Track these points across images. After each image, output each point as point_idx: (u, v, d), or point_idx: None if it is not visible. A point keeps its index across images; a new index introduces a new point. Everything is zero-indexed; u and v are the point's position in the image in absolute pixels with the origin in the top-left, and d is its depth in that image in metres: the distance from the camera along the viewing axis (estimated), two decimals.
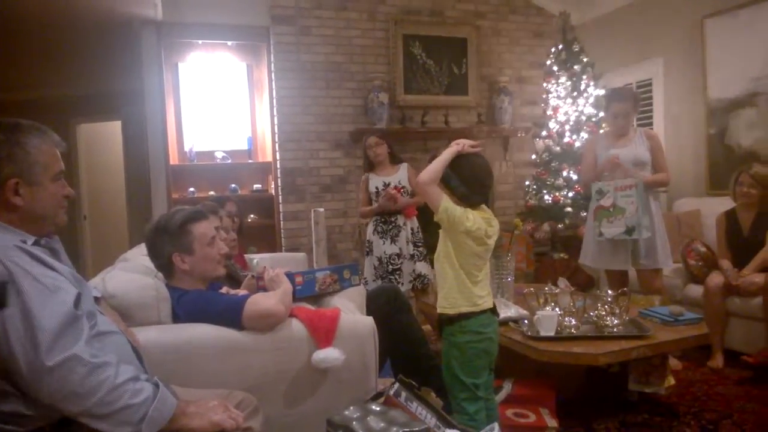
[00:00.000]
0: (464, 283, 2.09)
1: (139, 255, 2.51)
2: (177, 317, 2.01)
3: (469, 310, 2.08)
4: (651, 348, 2.57)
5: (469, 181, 2.08)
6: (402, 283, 3.90)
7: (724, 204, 3.90)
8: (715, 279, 3.56)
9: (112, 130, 7.46)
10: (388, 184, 3.98)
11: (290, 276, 2.31)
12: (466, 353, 2.09)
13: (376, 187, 4.03)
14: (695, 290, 3.76)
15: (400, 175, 4.04)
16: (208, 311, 1.99)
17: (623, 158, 3.45)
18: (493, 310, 2.15)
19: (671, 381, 2.91)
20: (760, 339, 3.31)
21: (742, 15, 4.33)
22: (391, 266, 3.96)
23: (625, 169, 3.42)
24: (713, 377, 3.29)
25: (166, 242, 2.07)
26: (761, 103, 4.25)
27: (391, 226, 3.99)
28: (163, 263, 2.10)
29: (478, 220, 2.08)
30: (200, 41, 5.23)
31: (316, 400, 2.00)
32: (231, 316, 1.96)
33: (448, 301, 2.11)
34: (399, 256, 3.95)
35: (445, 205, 2.05)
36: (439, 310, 2.15)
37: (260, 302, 1.99)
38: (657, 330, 2.71)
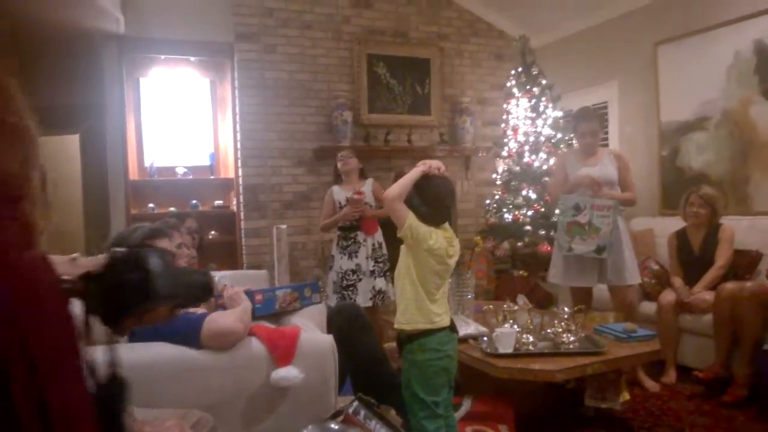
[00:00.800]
0: (423, 301, 2.11)
1: None
2: (133, 336, 1.98)
3: (425, 327, 2.10)
4: (606, 364, 2.64)
5: (431, 202, 2.13)
6: (354, 300, 3.92)
7: (676, 223, 4.03)
8: (668, 296, 3.67)
9: (70, 143, 7.30)
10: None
11: (250, 294, 2.30)
12: (426, 371, 2.10)
13: (339, 201, 4.06)
14: (649, 307, 3.87)
15: (365, 189, 4.08)
16: (165, 330, 1.96)
17: (594, 177, 3.51)
18: (452, 328, 2.18)
19: (626, 396, 2.98)
20: (710, 355, 3.41)
21: (692, 42, 4.52)
22: (345, 282, 3.98)
23: (604, 191, 3.47)
24: (666, 392, 3.37)
25: None
26: (710, 127, 4.44)
27: (350, 242, 4.03)
28: None
29: (440, 239, 2.11)
30: (163, 56, 5.19)
31: (275, 419, 1.99)
32: (189, 334, 1.95)
33: (405, 317, 2.13)
34: (354, 272, 3.98)
35: (410, 222, 2.08)
36: (396, 326, 2.17)
37: (218, 321, 1.98)
38: (611, 346, 2.78)
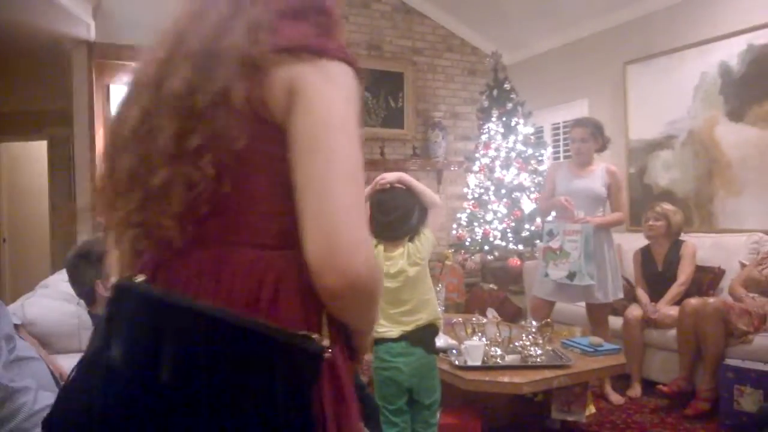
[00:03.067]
0: None
1: (60, 281, 2.41)
2: None
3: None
4: (572, 377, 2.67)
5: (372, 219, 2.18)
6: None
7: (643, 240, 4.11)
8: (634, 311, 3.73)
9: (38, 150, 7.15)
10: None
11: None
12: (376, 378, 2.21)
13: None
14: (615, 322, 3.91)
15: None
16: None
17: (580, 190, 3.48)
18: (414, 342, 2.19)
19: (592, 409, 3.01)
20: (674, 369, 3.47)
21: (660, 62, 4.64)
22: None
23: (572, 214, 3.41)
24: (631, 406, 3.42)
25: (89, 269, 2.01)
26: (676, 146, 4.55)
27: None
28: (85, 290, 2.03)
29: (379, 256, 2.18)
30: (134, 63, 5.11)
31: None
32: None
33: None
34: None
35: None
36: None
37: None
38: (578, 360, 2.81)
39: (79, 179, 4.94)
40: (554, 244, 3.47)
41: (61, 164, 6.17)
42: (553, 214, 3.73)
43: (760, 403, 2.87)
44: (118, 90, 5.06)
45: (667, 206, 3.89)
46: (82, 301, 2.08)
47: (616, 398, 3.46)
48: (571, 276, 3.38)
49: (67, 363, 1.74)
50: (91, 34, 4.70)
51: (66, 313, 1.94)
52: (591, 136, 3.52)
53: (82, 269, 2.02)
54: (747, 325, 3.21)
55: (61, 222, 6.02)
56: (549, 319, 3.10)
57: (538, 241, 4.83)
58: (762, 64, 3.95)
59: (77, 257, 2.05)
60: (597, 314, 3.60)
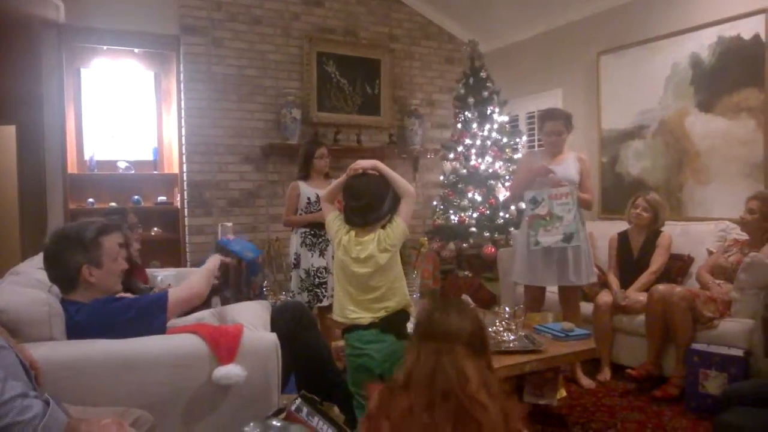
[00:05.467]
0: (339, 296, 2.27)
1: (31, 268, 2.38)
2: (73, 332, 1.93)
3: (342, 321, 2.26)
4: (543, 362, 2.72)
5: (345, 204, 2.29)
6: (327, 297, 3.90)
7: (614, 227, 4.19)
8: (605, 297, 3.81)
9: (6, 134, 6.97)
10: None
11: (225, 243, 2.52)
12: (349, 365, 2.27)
13: (308, 198, 3.99)
14: (586, 307, 3.98)
15: None
16: (119, 318, 1.97)
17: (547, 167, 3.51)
18: (385, 329, 2.21)
19: (563, 393, 3.08)
20: (642, 353, 3.57)
21: (632, 53, 4.71)
22: (318, 279, 3.94)
23: (556, 178, 3.46)
24: (601, 389, 3.50)
25: (77, 253, 2.00)
26: (647, 136, 4.63)
27: (320, 240, 3.98)
28: (69, 275, 2.01)
29: (346, 241, 2.26)
30: (105, 47, 5.03)
31: (217, 418, 1.97)
32: (154, 310, 2.03)
33: (334, 307, 2.32)
34: (326, 270, 3.94)
35: (327, 220, 2.32)
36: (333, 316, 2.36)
37: (183, 288, 2.16)
38: (549, 345, 2.86)
39: (50, 165, 4.84)
40: (541, 210, 3.43)
41: (30, 149, 6.03)
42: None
43: (724, 386, 2.96)
44: (89, 74, 4.98)
45: (657, 197, 3.95)
46: (54, 287, 2.05)
47: (586, 382, 3.54)
48: (568, 238, 3.38)
49: (37, 352, 1.72)
50: (61, 16, 4.59)
51: (37, 300, 1.91)
52: (564, 128, 3.61)
53: (71, 251, 2.00)
54: (713, 311, 3.30)
55: (32, 209, 5.90)
56: (535, 305, 3.12)
57: (512, 229, 4.89)
58: (731, 56, 4.03)
59: (63, 240, 2.02)
60: (570, 297, 3.66)
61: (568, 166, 3.59)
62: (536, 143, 5.72)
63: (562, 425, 2.97)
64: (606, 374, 3.69)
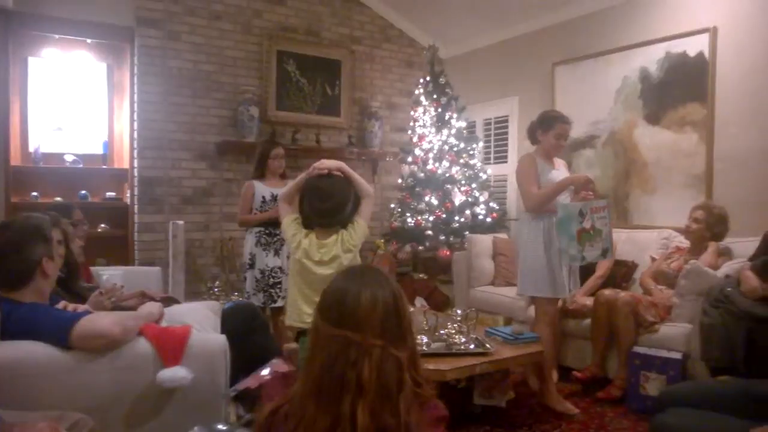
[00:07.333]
0: (295, 300, 2.24)
1: None
2: (4, 333, 1.85)
3: (298, 325, 2.22)
4: (493, 364, 2.77)
5: (304, 205, 2.26)
6: (281, 297, 3.84)
7: None
8: None
9: None
10: (276, 196, 3.89)
11: None
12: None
13: (263, 197, 3.94)
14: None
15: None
16: (37, 327, 1.85)
17: (556, 181, 3.36)
18: None
19: (511, 395, 3.14)
20: (588, 356, 3.67)
21: (586, 65, 4.83)
22: (272, 279, 3.88)
23: (594, 189, 3.35)
24: None
25: (39, 245, 1.92)
26: (598, 145, 4.76)
27: (275, 239, 3.91)
28: (27, 268, 1.92)
29: (306, 242, 2.23)
30: (56, 36, 4.86)
31: (161, 421, 1.93)
32: (58, 333, 1.84)
33: (288, 312, 2.28)
34: (281, 270, 3.90)
35: (284, 223, 2.28)
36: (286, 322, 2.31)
37: (94, 321, 1.88)
38: (499, 347, 2.92)
39: None
40: (587, 224, 3.23)
41: None
42: (562, 197, 3.38)
43: (663, 387, 3.07)
44: (37, 63, 4.80)
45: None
46: None
47: (534, 383, 3.61)
48: (605, 252, 3.28)
49: None
50: (9, 2, 4.41)
51: None
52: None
53: (32, 244, 1.92)
54: (654, 316, 3.42)
55: None
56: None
57: (467, 233, 4.94)
58: (678, 72, 4.18)
59: (23, 230, 1.93)
60: (542, 307, 3.45)
61: (562, 169, 3.54)
62: (492, 150, 5.81)
63: (510, 425, 3.02)
64: (554, 376, 3.76)
